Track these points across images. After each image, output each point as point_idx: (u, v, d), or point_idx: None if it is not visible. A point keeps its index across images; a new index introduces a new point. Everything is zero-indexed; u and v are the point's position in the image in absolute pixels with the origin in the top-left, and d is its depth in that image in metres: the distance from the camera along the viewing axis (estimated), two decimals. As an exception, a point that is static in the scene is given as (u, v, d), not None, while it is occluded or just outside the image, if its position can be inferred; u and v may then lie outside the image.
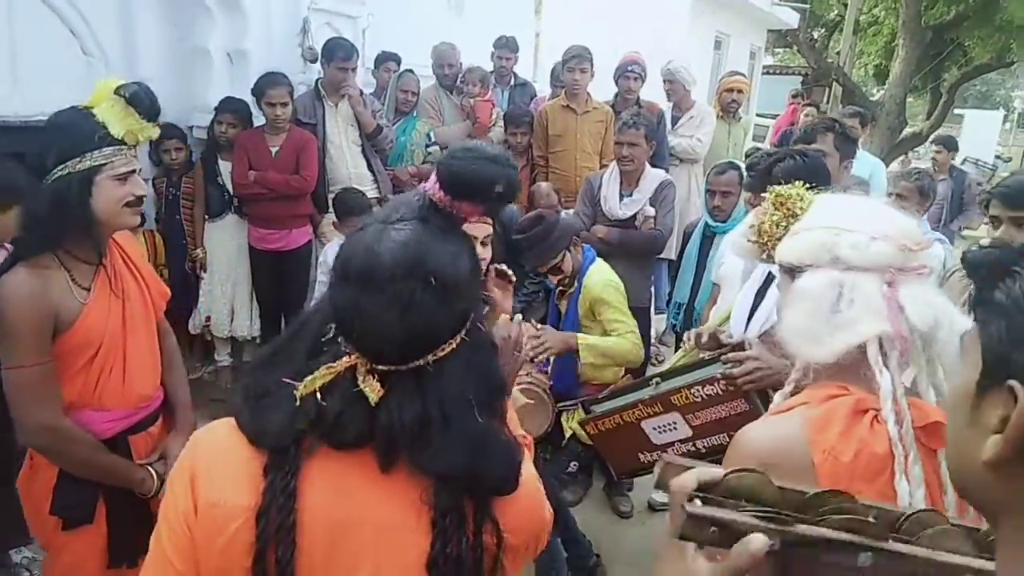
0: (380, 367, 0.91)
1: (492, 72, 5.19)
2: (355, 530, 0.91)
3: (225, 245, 4.07)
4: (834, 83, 13.82)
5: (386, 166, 4.45)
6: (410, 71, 4.70)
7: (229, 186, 3.99)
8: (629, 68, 4.66)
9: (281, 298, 4.10)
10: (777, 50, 20.81)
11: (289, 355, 0.97)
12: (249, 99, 3.97)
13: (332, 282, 0.94)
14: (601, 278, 2.91)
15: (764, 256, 1.47)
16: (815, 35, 18.25)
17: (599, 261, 2.99)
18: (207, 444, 0.97)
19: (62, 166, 1.65)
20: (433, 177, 0.98)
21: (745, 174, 2.81)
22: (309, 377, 0.91)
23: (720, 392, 1.99)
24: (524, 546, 1.00)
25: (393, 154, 4.52)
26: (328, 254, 3.59)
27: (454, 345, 0.92)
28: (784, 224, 1.37)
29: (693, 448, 2.14)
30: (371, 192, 4.29)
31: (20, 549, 2.82)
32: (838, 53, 16.02)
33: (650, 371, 3.17)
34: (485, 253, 2.29)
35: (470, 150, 0.98)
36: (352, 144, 4.20)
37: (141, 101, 1.70)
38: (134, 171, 1.75)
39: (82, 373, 1.77)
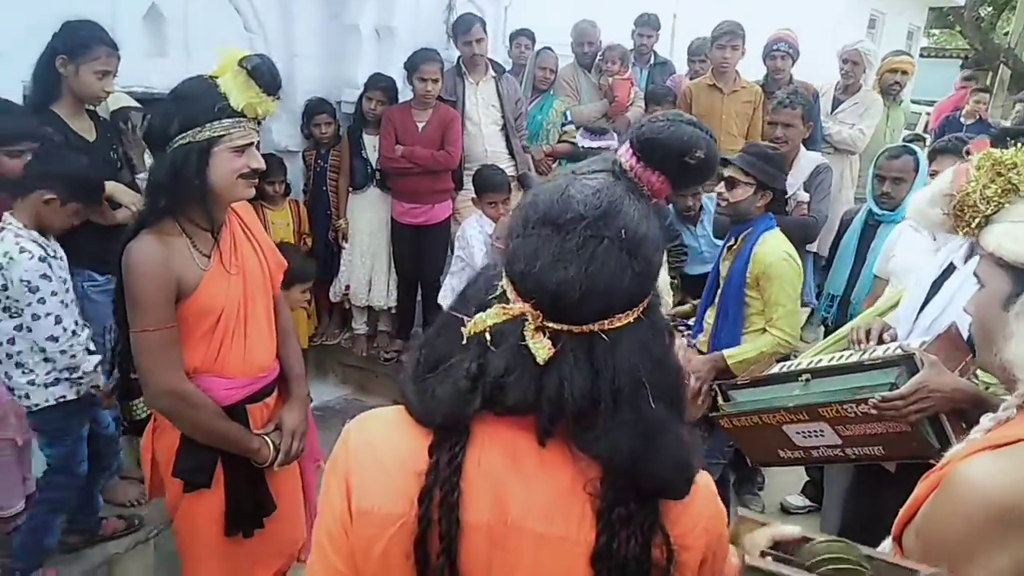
0: (552, 325, 0.83)
1: (632, 50, 5.05)
2: (516, 535, 0.85)
3: (367, 217, 4.19)
4: (1000, 67, 12.54)
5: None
6: (548, 48, 4.66)
7: (373, 160, 4.10)
8: (776, 47, 4.39)
9: (419, 271, 4.19)
10: (933, 31, 19.19)
11: (456, 325, 0.89)
12: (396, 75, 4.06)
13: (511, 233, 0.88)
14: (777, 248, 2.68)
15: (962, 233, 1.21)
16: (981, 13, 16.64)
17: (776, 229, 2.73)
18: (358, 439, 0.92)
19: (183, 135, 1.69)
20: (626, 144, 0.90)
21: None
22: (480, 315, 0.84)
23: (876, 412, 1.81)
24: (697, 563, 0.89)
25: (529, 132, 4.49)
26: (466, 230, 3.60)
27: (632, 318, 0.85)
28: (999, 199, 1.12)
29: (842, 453, 1.96)
30: (509, 171, 4.29)
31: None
32: (1006, 34, 14.54)
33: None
34: None
35: (668, 116, 0.90)
36: (491, 123, 4.21)
37: (262, 75, 1.72)
38: (252, 143, 1.77)
39: (205, 339, 1.82)
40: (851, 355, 1.99)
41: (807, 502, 3.66)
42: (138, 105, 2.99)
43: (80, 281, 2.56)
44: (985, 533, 0.91)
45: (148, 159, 2.90)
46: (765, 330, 2.69)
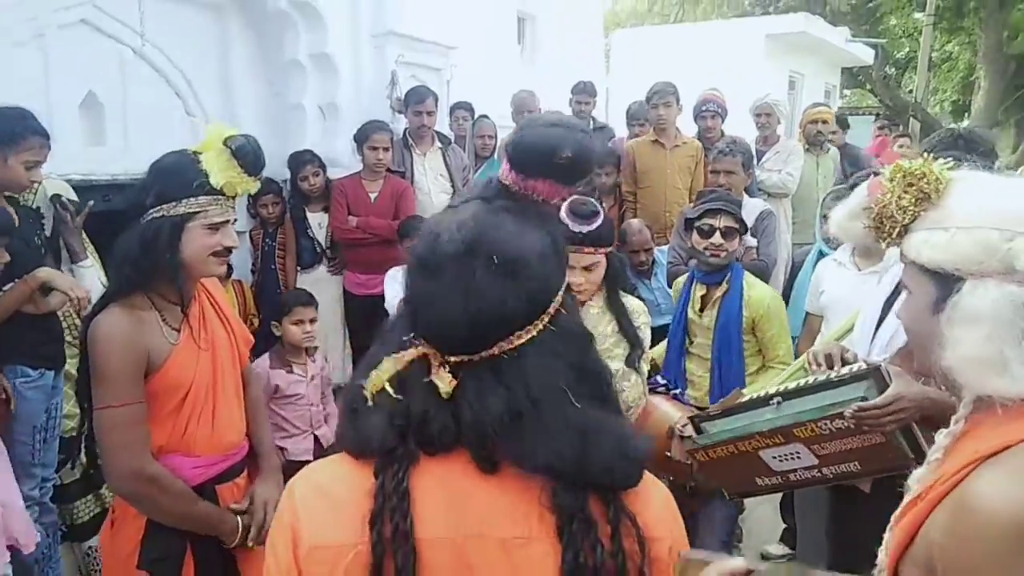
0: (452, 358, 0.84)
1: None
2: (478, 544, 0.83)
3: (318, 296, 4.10)
4: (910, 120, 13.44)
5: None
6: (485, 116, 4.79)
7: (320, 238, 4.07)
8: (705, 107, 4.60)
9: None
10: (846, 91, 20.50)
11: (376, 362, 0.90)
12: (342, 151, 4.08)
13: (404, 281, 0.91)
14: (767, 290, 2.71)
15: (884, 244, 1.20)
16: (888, 72, 17.89)
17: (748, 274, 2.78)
18: (303, 488, 0.90)
19: (158, 208, 1.66)
20: (504, 161, 0.91)
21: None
22: (375, 371, 0.85)
23: (851, 426, 1.81)
24: (667, 554, 0.86)
25: (478, 199, 4.54)
26: (390, 284, 3.55)
27: (534, 333, 0.84)
28: (914, 207, 1.12)
29: (819, 474, 1.95)
30: (459, 237, 4.31)
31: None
32: (910, 91, 15.65)
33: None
34: (589, 278, 2.23)
35: (534, 120, 0.92)
36: (441, 192, 4.25)
37: (246, 155, 1.71)
38: (228, 221, 1.74)
39: (172, 417, 1.74)
40: (816, 377, 2.00)
41: (786, 549, 3.61)
42: (73, 195, 2.90)
43: (12, 378, 2.43)
44: (1016, 553, 0.87)
45: (88, 247, 2.83)
46: (766, 367, 2.70)
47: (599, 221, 2.26)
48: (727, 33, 8.29)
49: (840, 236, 1.27)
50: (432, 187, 4.23)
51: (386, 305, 3.52)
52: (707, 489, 2.59)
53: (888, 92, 14.05)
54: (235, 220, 1.80)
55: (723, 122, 4.65)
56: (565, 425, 0.82)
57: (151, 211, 1.67)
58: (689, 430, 2.32)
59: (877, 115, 15.21)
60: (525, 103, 4.97)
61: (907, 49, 18.91)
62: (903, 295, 1.15)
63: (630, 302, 2.35)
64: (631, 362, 2.26)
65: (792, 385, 2.03)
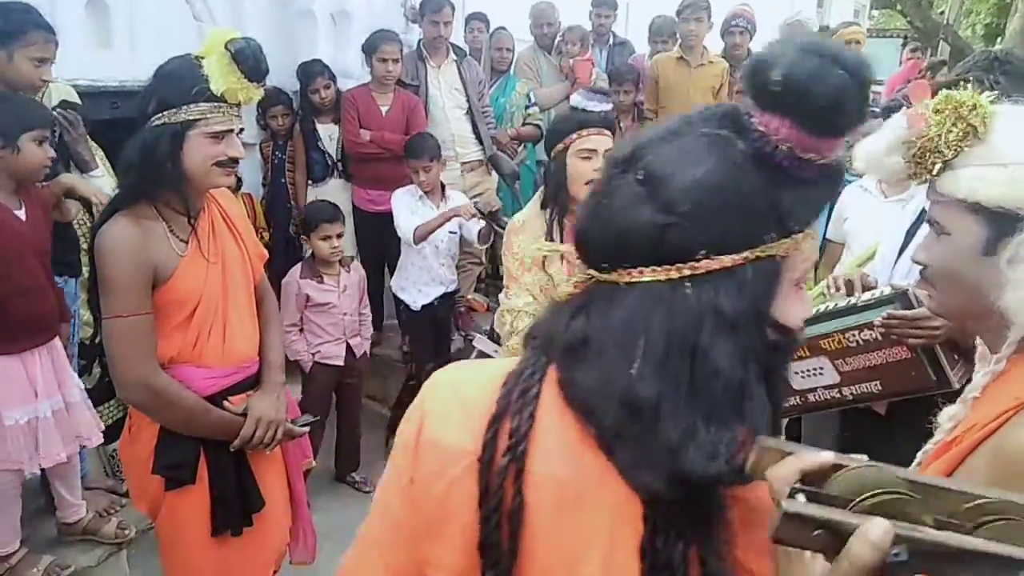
0: (591, 272, 0.77)
1: (591, 31, 5.01)
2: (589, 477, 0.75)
3: (330, 209, 4.08)
4: (940, 43, 12.89)
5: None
6: (503, 28, 4.61)
7: (331, 150, 3.98)
8: (734, 23, 4.40)
9: (386, 258, 4.08)
10: (874, 12, 19.67)
11: None
12: (354, 62, 3.95)
13: None
14: None
15: (918, 180, 1.13)
16: (919, -8, 17.09)
17: None
18: (445, 380, 0.85)
19: (159, 116, 1.62)
20: (773, 115, 0.70)
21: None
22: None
23: (879, 337, 1.80)
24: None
25: (494, 116, 4.42)
26: (395, 201, 3.51)
27: (659, 277, 0.72)
28: (960, 143, 1.05)
29: (838, 395, 1.95)
30: (475, 155, 4.22)
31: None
32: (942, 13, 14.97)
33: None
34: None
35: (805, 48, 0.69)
36: (456, 108, 4.12)
37: (246, 59, 1.62)
38: (232, 130, 1.68)
39: (181, 329, 1.74)
40: (839, 303, 1.98)
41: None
42: (78, 101, 2.82)
43: None
44: None
45: (99, 153, 2.77)
46: None
47: (611, 104, 2.18)
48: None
49: (870, 171, 1.19)
50: (446, 101, 4.09)
51: (398, 230, 3.46)
52: None
53: (919, 13, 13.42)
54: (241, 130, 1.74)
55: (751, 39, 4.45)
56: (621, 369, 0.71)
57: (153, 118, 1.62)
58: None
59: (905, 38, 14.64)
60: (544, 15, 4.77)
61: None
62: (929, 235, 1.10)
63: None
64: None
65: (814, 310, 2.01)
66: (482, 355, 3.28)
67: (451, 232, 3.58)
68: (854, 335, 1.82)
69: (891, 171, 1.15)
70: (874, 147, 1.14)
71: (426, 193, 3.49)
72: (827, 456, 0.62)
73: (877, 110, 3.19)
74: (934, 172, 1.05)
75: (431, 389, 0.84)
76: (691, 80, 4.23)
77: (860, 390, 1.91)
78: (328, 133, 3.95)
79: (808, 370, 1.96)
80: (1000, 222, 0.96)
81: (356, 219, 4.01)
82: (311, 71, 3.81)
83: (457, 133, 4.12)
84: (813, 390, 1.99)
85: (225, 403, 1.82)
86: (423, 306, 3.57)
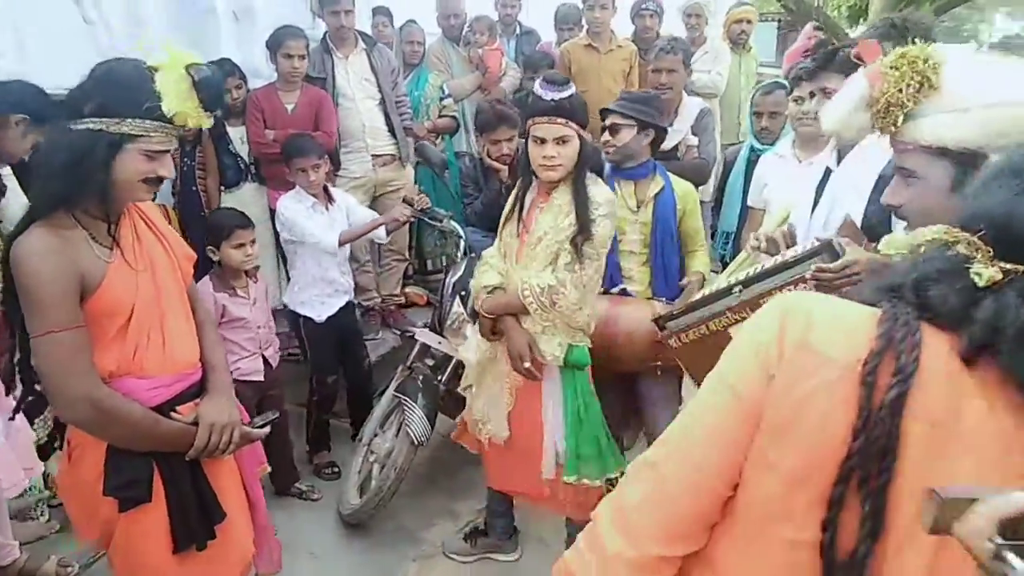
0: (1003, 264, 0.80)
1: (497, 22, 5.04)
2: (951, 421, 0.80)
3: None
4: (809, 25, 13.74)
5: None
6: (413, 21, 4.56)
7: (243, 154, 3.83)
8: (644, 6, 4.52)
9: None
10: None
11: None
12: (259, 59, 3.81)
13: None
14: (688, 184, 2.87)
15: (884, 131, 1.26)
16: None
17: None
18: (813, 297, 0.91)
19: (96, 120, 1.53)
20: None
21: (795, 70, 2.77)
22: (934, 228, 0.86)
23: (811, 290, 1.94)
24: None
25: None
26: (284, 210, 3.27)
27: None
28: (917, 94, 1.16)
29: None
30: (389, 148, 4.15)
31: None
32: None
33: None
34: (561, 152, 2.24)
35: None
36: (367, 99, 4.03)
37: (209, 88, 1.59)
38: (168, 151, 1.62)
39: (118, 341, 1.65)
40: (768, 264, 2.10)
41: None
42: None
43: None
44: None
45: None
46: (690, 253, 2.87)
47: (570, 91, 2.26)
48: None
49: (839, 131, 1.28)
50: (356, 92, 3.99)
51: (303, 238, 3.24)
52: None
53: (793, -5, 14.21)
54: (176, 150, 1.67)
55: (660, 22, 4.60)
56: None
57: (87, 120, 1.53)
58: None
59: (779, 21, 15.47)
60: (450, 6, 4.74)
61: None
62: (897, 181, 1.19)
63: (597, 192, 2.35)
64: (575, 244, 2.30)
65: (751, 272, 2.12)
66: (425, 348, 3.24)
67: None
68: (790, 290, 1.94)
69: (858, 128, 1.25)
70: (840, 108, 1.22)
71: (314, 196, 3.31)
72: (1021, 498, 0.59)
73: (785, 83, 3.38)
74: (898, 124, 1.14)
75: (797, 299, 0.90)
76: (601, 65, 4.32)
77: None
78: (240, 135, 3.80)
79: None
80: (966, 160, 1.06)
81: (274, 222, 3.86)
82: (221, 70, 3.64)
83: (368, 124, 4.03)
84: None
85: (173, 414, 1.73)
86: (328, 317, 3.38)
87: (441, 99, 4.55)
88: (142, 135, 1.56)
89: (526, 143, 2.35)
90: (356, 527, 3.18)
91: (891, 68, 1.16)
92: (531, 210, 2.41)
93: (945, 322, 0.82)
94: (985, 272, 0.79)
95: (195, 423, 1.74)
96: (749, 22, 5.12)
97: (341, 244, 3.23)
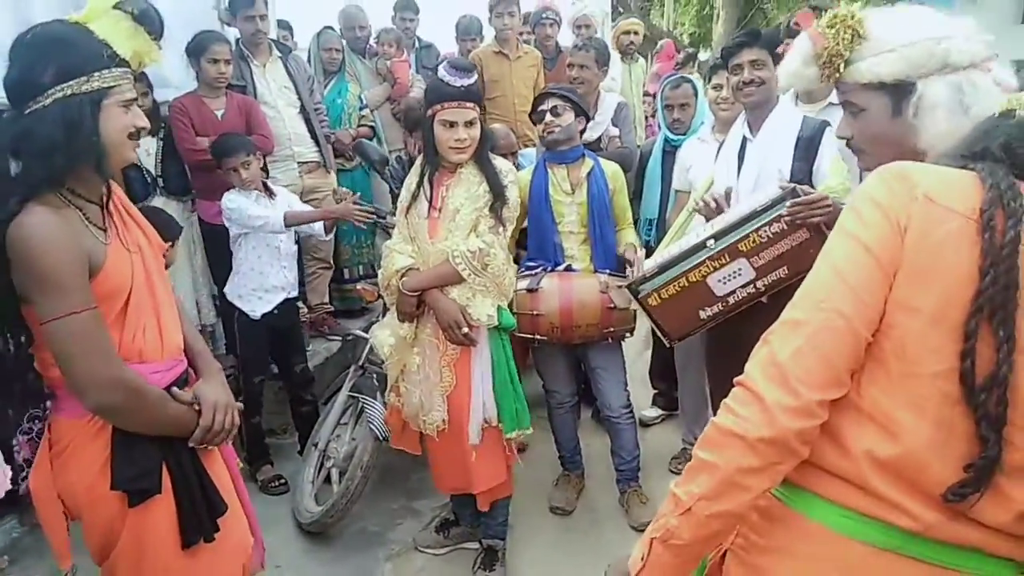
0: None
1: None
2: None
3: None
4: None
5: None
6: (330, 28, 4.57)
7: (149, 166, 3.66)
8: (545, 15, 4.76)
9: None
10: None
11: None
12: (169, 69, 3.66)
13: None
14: (614, 164, 3.07)
15: (830, 79, 1.44)
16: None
17: None
18: (916, 166, 1.02)
19: (63, 86, 1.43)
20: None
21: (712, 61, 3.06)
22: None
23: (785, 227, 2.18)
24: None
25: (331, 117, 4.35)
26: (230, 204, 3.21)
27: None
28: (852, 44, 1.38)
29: (754, 289, 2.30)
30: (312, 155, 4.11)
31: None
32: (654, 24, 17.24)
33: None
34: (471, 133, 2.40)
35: None
36: (288, 106, 3.99)
37: (151, 19, 1.55)
38: (135, 99, 1.57)
39: (118, 324, 1.58)
40: (732, 219, 2.31)
41: (660, 411, 4.08)
42: None
43: None
44: None
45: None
46: (621, 229, 3.07)
47: (474, 77, 2.41)
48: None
49: (794, 84, 1.48)
50: (278, 100, 3.94)
51: (250, 222, 3.17)
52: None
53: (647, 22, 15.28)
54: (138, 99, 1.62)
55: (559, 30, 4.84)
56: None
57: (52, 90, 1.42)
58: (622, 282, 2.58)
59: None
60: (355, 18, 4.78)
61: (649, -15, 20.65)
62: (845, 118, 1.41)
63: (499, 163, 2.55)
64: (494, 210, 2.45)
65: (718, 226, 2.32)
66: (371, 359, 3.19)
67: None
68: (766, 230, 2.18)
69: (810, 80, 1.46)
70: (792, 64, 1.47)
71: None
72: None
73: (690, 77, 3.69)
74: (841, 70, 1.37)
75: (901, 166, 1.03)
76: (512, 71, 4.50)
77: (772, 279, 2.26)
78: (145, 148, 3.61)
79: (728, 275, 2.27)
80: (899, 90, 1.28)
81: (205, 235, 3.72)
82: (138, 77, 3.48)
83: (293, 132, 3.99)
84: (733, 292, 2.30)
85: (174, 391, 1.66)
86: (263, 314, 3.28)
87: (360, 109, 4.56)
88: (114, 86, 1.48)
89: (430, 128, 2.43)
90: (318, 536, 3.09)
91: (827, 27, 1.38)
92: (436, 189, 2.51)
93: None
94: None
95: (191, 405, 1.68)
96: (636, 33, 5.50)
97: (287, 225, 3.17)
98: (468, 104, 2.38)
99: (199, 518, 1.67)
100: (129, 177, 3.59)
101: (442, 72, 2.41)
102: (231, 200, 3.20)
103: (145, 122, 1.59)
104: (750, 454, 0.98)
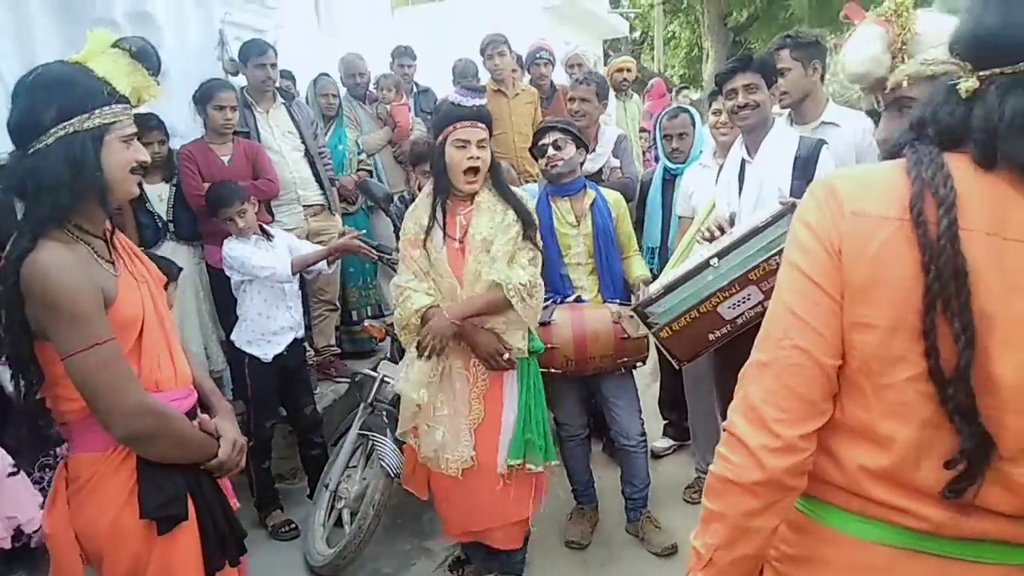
0: (982, 73, 0.91)
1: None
2: (1017, 250, 0.89)
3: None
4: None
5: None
6: (326, 75, 4.67)
7: (161, 212, 3.70)
8: (539, 55, 4.86)
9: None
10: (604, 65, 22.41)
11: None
12: (176, 117, 3.74)
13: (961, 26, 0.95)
14: (616, 193, 3.11)
15: (899, 64, 1.41)
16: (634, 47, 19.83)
17: None
18: (840, 175, 1.01)
19: (65, 124, 1.47)
20: None
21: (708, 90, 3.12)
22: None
23: None
24: None
25: (334, 163, 4.42)
26: (231, 252, 3.20)
27: None
28: (909, 40, 1.37)
29: (762, 308, 2.29)
30: (317, 198, 4.16)
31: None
32: (644, 67, 17.67)
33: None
34: (483, 155, 2.41)
35: None
36: (293, 151, 4.05)
37: (149, 56, 1.61)
38: (136, 134, 1.62)
39: (134, 355, 1.60)
40: (736, 235, 2.31)
41: (671, 442, 4.03)
42: None
43: None
44: None
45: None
46: (627, 258, 3.08)
47: (484, 99, 2.45)
48: (506, 6, 8.73)
49: (873, 70, 1.42)
50: (283, 145, 4.00)
51: (254, 272, 3.16)
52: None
53: (638, 64, 15.66)
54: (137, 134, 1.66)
55: (552, 69, 4.94)
56: None
57: (54, 129, 1.46)
58: (631, 311, 2.57)
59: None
60: (355, 66, 4.89)
61: (639, 31, 21.17)
62: (888, 119, 1.40)
63: (516, 189, 2.57)
64: (528, 237, 2.47)
65: (721, 247, 2.33)
66: (387, 381, 3.18)
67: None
68: (776, 259, 2.16)
69: (885, 66, 1.42)
70: (870, 49, 1.43)
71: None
72: None
73: (688, 108, 3.75)
74: (906, 60, 1.36)
75: (832, 178, 1.01)
76: (512, 108, 4.58)
77: None
78: (158, 193, 3.66)
79: (738, 301, 2.27)
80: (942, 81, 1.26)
81: (213, 281, 3.73)
82: (145, 125, 3.52)
83: (298, 176, 4.04)
84: (741, 314, 2.30)
85: (202, 419, 1.71)
86: (274, 356, 3.27)
87: (358, 154, 4.64)
88: (114, 122, 1.52)
89: (441, 154, 2.44)
90: (330, 579, 3.03)
91: (894, 14, 1.38)
92: (450, 219, 2.48)
93: (957, 142, 0.93)
94: (964, 85, 0.93)
95: (213, 435, 1.70)
96: (629, 70, 5.63)
97: (294, 272, 3.18)
98: (480, 124, 2.41)
99: (225, 542, 1.68)
100: (141, 223, 3.64)
101: (453, 96, 2.46)
102: (232, 249, 3.20)
103: (146, 156, 1.63)
104: (749, 498, 1.00)
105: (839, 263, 0.95)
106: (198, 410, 1.77)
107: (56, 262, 1.45)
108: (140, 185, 3.51)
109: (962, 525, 0.96)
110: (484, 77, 5.02)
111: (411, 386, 2.51)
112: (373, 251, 3.25)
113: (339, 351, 4.40)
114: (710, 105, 3.36)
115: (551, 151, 2.94)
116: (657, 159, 3.84)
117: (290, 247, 3.34)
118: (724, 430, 1.05)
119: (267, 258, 3.19)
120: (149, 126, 3.48)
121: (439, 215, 2.47)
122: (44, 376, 1.54)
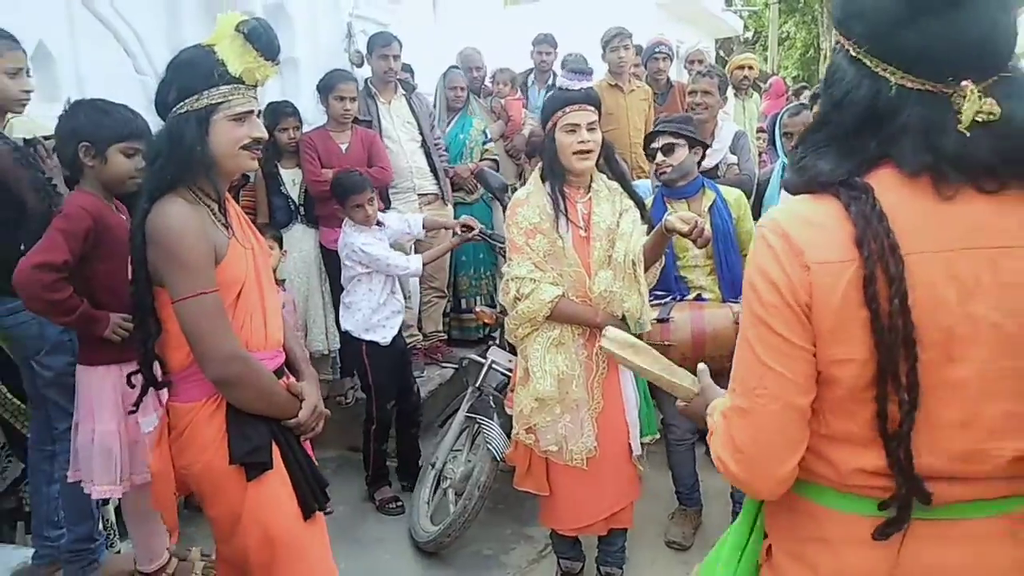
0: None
1: (533, 69, 5.32)
2: (966, 257, 0.92)
3: (294, 257, 3.92)
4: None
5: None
6: (455, 67, 4.77)
7: (294, 195, 3.89)
8: (658, 49, 4.82)
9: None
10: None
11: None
12: (303, 106, 3.94)
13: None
14: (736, 190, 3.04)
15: None
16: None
17: None
18: (784, 216, 1.00)
19: (181, 104, 1.64)
20: None
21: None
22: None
23: None
24: None
25: (452, 152, 4.52)
26: (351, 242, 3.30)
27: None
28: None
29: None
30: (432, 188, 4.27)
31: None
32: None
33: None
34: (594, 138, 2.37)
35: None
36: (410, 140, 4.18)
37: (259, 37, 1.69)
38: (252, 112, 1.72)
39: (229, 312, 1.72)
40: None
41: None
42: (49, 132, 2.65)
43: None
44: None
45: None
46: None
47: (592, 79, 2.41)
48: (619, 1, 8.68)
49: None
50: (401, 135, 4.14)
51: (387, 269, 3.31)
52: None
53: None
54: (260, 112, 1.79)
55: (671, 64, 4.88)
56: None
57: (175, 108, 1.65)
58: None
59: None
60: (472, 59, 5.00)
61: (751, 31, 20.56)
62: None
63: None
64: (647, 220, 2.47)
65: None
66: (495, 367, 3.23)
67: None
68: None
69: None
70: None
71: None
72: None
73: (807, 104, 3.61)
74: None
75: (780, 224, 0.99)
76: (627, 104, 4.56)
77: None
78: (292, 177, 3.87)
79: None
80: None
81: (326, 261, 3.91)
82: (282, 111, 3.75)
83: (414, 166, 4.17)
84: None
85: (288, 380, 1.83)
86: (392, 339, 3.39)
87: (484, 143, 4.72)
88: (222, 101, 1.65)
89: (552, 140, 2.40)
90: (433, 556, 3.11)
91: None
92: (571, 207, 2.43)
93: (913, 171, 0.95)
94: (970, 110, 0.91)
95: (297, 396, 1.82)
96: (751, 68, 5.47)
97: (425, 265, 3.31)
98: (589, 107, 2.37)
99: (313, 490, 1.79)
100: (274, 204, 3.86)
101: (561, 80, 2.46)
102: (363, 244, 3.28)
103: (262, 133, 1.75)
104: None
105: (806, 319, 0.97)
106: (285, 372, 1.88)
107: (180, 215, 1.62)
108: (276, 168, 3.80)
109: (948, 493, 0.98)
110: (599, 71, 5.00)
111: (541, 379, 2.44)
112: (491, 240, 3.32)
113: (446, 337, 4.50)
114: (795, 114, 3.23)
115: (660, 156, 2.90)
116: (772, 160, 3.72)
117: (407, 224, 3.47)
118: (715, 460, 1.10)
119: (403, 259, 3.33)
120: (285, 113, 3.68)
121: (560, 202, 2.41)
122: (162, 328, 1.69)
